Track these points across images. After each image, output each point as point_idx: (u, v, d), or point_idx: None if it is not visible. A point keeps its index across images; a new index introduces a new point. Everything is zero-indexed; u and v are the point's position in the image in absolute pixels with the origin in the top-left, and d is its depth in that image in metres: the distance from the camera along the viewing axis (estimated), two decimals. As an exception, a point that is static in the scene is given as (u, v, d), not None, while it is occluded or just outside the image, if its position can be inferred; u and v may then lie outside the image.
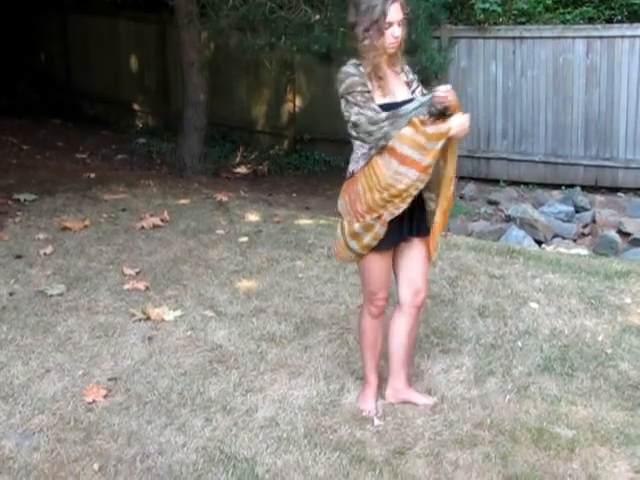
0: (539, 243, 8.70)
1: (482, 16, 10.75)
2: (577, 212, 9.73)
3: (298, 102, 12.51)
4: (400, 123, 3.61)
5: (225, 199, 8.20)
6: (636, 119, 10.19)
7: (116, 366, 4.54)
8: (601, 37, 10.22)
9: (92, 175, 9.37)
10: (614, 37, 10.16)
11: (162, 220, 7.13)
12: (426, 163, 3.65)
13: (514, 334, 4.94)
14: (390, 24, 3.66)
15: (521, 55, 10.67)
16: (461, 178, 10.17)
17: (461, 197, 10.22)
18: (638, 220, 9.16)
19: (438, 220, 3.92)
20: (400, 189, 3.67)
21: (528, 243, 8.39)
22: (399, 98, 3.77)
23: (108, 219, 7.26)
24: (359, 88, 3.65)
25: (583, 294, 5.53)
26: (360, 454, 3.73)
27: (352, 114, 3.65)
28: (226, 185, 9.88)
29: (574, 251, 7.86)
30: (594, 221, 9.32)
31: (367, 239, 3.79)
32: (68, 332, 4.95)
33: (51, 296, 5.47)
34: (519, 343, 4.82)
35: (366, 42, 3.67)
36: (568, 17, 10.82)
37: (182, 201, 8.07)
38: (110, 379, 4.40)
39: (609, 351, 4.73)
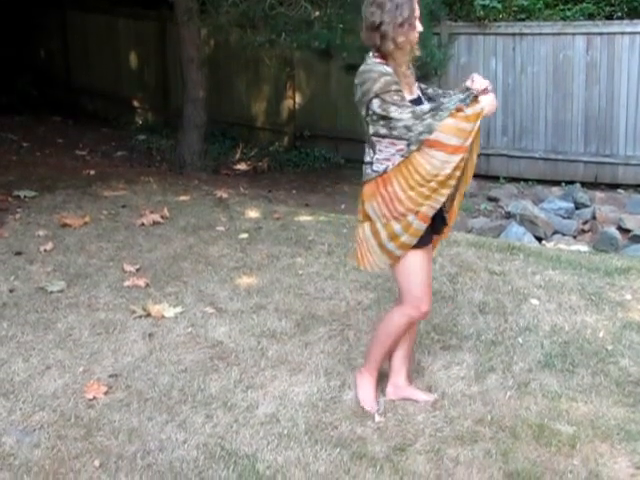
0: (539, 240, 8.69)
1: (482, 12, 10.74)
2: (577, 209, 9.73)
3: (298, 99, 12.50)
4: (442, 115, 3.62)
5: (225, 196, 8.19)
6: (636, 116, 10.19)
7: (116, 363, 4.54)
8: (601, 33, 10.22)
9: (92, 172, 9.37)
10: (614, 33, 10.16)
11: (162, 217, 7.13)
12: (467, 144, 3.69)
13: (515, 330, 4.94)
14: (416, 19, 3.70)
15: (521, 51, 10.66)
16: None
17: (461, 194, 10.20)
18: (638, 216, 9.16)
19: (453, 216, 3.99)
20: (446, 174, 3.67)
21: (528, 240, 8.39)
22: (416, 95, 3.83)
23: (108, 216, 7.26)
24: (394, 87, 3.65)
25: (583, 290, 5.53)
26: (361, 450, 3.73)
27: (391, 112, 3.63)
28: (226, 182, 9.88)
29: (574, 247, 7.86)
30: (594, 217, 9.31)
31: (404, 238, 3.76)
32: (68, 329, 4.95)
33: (51, 293, 5.47)
34: (520, 339, 4.82)
35: (400, 39, 3.66)
36: (568, 13, 10.82)
37: (182, 198, 8.07)
38: (111, 376, 4.40)
39: (610, 347, 4.73)
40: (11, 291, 5.51)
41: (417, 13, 3.70)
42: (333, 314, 5.19)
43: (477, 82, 3.70)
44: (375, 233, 3.82)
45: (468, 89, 3.71)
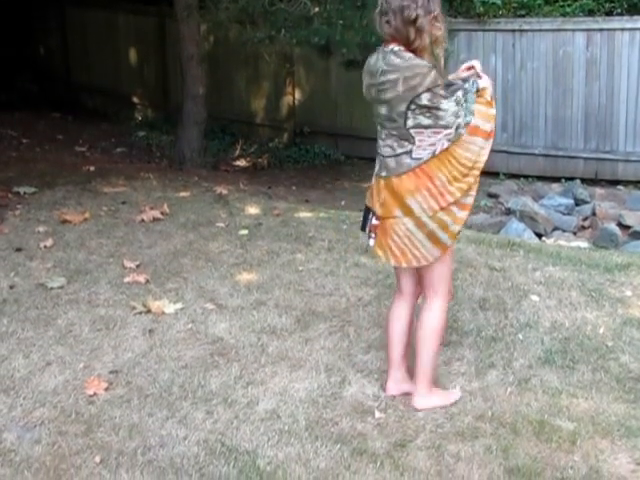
0: (539, 236, 8.69)
1: (482, 9, 10.75)
2: (577, 205, 9.73)
3: (297, 95, 12.51)
4: (472, 98, 3.71)
5: (225, 192, 8.19)
6: (636, 112, 10.19)
7: (117, 359, 4.54)
8: (601, 30, 10.23)
9: (92, 168, 9.36)
10: (614, 30, 10.16)
11: (162, 213, 7.12)
12: (494, 128, 3.81)
13: (515, 327, 4.94)
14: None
15: (521, 48, 10.66)
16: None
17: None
18: (638, 213, 9.16)
19: None
20: (483, 161, 3.77)
21: (528, 236, 8.38)
22: None
23: (108, 212, 7.26)
24: (440, 81, 3.67)
25: (584, 287, 5.52)
26: (361, 446, 3.73)
27: (442, 104, 3.65)
28: (226, 178, 9.88)
29: (574, 244, 7.86)
30: (594, 214, 9.31)
31: (453, 227, 3.82)
32: (69, 325, 4.95)
33: (51, 289, 5.46)
34: (520, 336, 4.82)
35: (437, 33, 3.68)
36: (568, 10, 10.81)
37: (182, 194, 8.06)
38: (111, 372, 4.39)
39: (610, 344, 4.73)
40: (11, 287, 5.50)
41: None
42: (333, 310, 5.19)
43: (477, 67, 3.83)
44: (421, 226, 3.79)
45: (467, 77, 3.80)
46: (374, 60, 3.81)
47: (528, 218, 8.98)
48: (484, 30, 10.78)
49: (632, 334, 4.85)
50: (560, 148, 10.65)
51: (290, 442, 3.76)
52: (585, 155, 10.53)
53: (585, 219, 9.33)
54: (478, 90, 3.74)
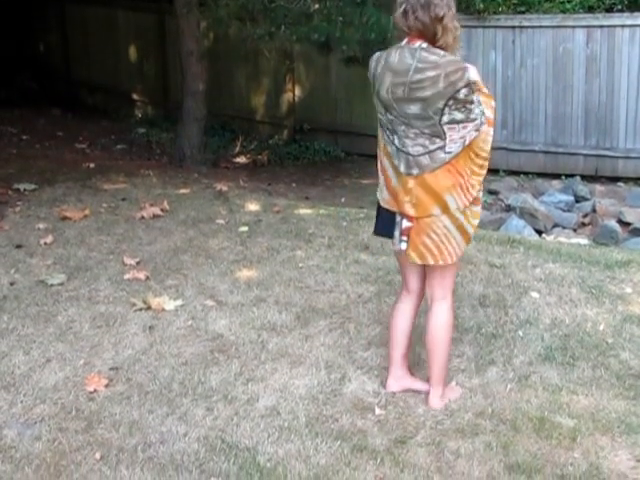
0: (539, 233, 8.69)
1: (482, 5, 10.72)
2: (577, 202, 9.73)
3: (297, 92, 12.49)
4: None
5: (225, 189, 8.19)
6: (636, 109, 10.18)
7: (117, 356, 4.54)
8: (601, 26, 10.21)
9: (92, 165, 9.36)
10: (614, 26, 10.15)
11: (162, 210, 7.12)
12: None
13: (515, 323, 4.94)
14: None
15: (521, 44, 10.65)
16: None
17: (461, 187, 10.19)
18: (638, 210, 9.15)
19: None
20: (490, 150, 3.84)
21: (528, 233, 8.38)
22: None
23: (108, 209, 7.26)
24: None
25: (584, 283, 5.53)
26: (361, 443, 3.73)
27: (474, 98, 3.67)
28: (226, 175, 9.87)
29: (574, 241, 7.86)
30: (594, 211, 9.31)
31: (474, 222, 3.89)
32: (69, 322, 4.95)
33: (52, 286, 5.46)
34: (520, 332, 4.82)
35: (458, 32, 3.71)
36: (568, 6, 10.79)
37: (182, 191, 8.06)
38: (111, 369, 4.40)
39: (610, 340, 4.73)
40: (11, 284, 5.51)
41: None
42: (333, 307, 5.19)
43: None
44: (455, 222, 3.81)
45: None
46: (397, 58, 3.72)
47: (528, 215, 8.98)
48: (484, 26, 10.77)
49: (632, 331, 4.85)
50: (560, 145, 10.64)
51: (290, 439, 3.76)
52: (585, 152, 10.53)
53: (585, 216, 9.33)
54: (475, 83, 3.74)
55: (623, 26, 10.09)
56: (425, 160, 3.73)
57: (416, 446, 3.72)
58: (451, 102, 3.62)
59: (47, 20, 15.71)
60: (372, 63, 3.86)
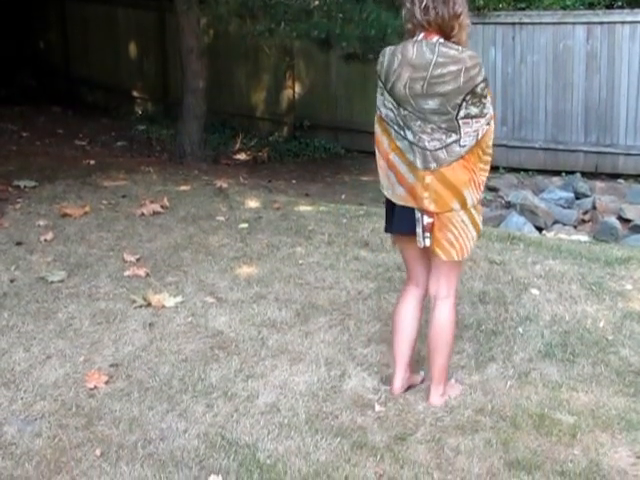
0: (539, 229, 8.70)
1: (482, 2, 10.73)
2: (577, 198, 9.74)
3: (297, 88, 12.49)
4: None
5: (225, 186, 8.19)
6: (637, 105, 10.19)
7: (117, 352, 4.54)
8: (601, 23, 10.21)
9: (92, 162, 9.36)
10: (614, 23, 10.15)
11: (162, 207, 7.12)
12: None
13: (515, 320, 4.94)
14: None
15: (521, 41, 10.65)
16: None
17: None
18: (638, 206, 9.17)
19: None
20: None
21: (528, 229, 8.39)
22: None
23: (108, 206, 7.25)
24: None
25: (584, 280, 5.52)
26: (361, 440, 3.73)
27: (488, 93, 3.72)
28: (226, 172, 9.87)
29: (574, 237, 7.86)
30: (594, 207, 9.32)
31: (479, 217, 3.90)
32: (69, 318, 4.95)
33: (52, 283, 5.46)
34: (520, 329, 4.82)
35: (469, 30, 3.81)
36: (568, 3, 10.80)
37: (182, 188, 8.06)
38: (111, 365, 4.39)
39: (610, 337, 4.73)
40: (12, 281, 5.51)
41: None
42: (333, 304, 5.19)
43: None
44: (470, 216, 3.81)
45: None
46: (415, 52, 3.70)
47: (528, 212, 8.99)
48: (484, 23, 10.76)
49: (632, 327, 4.85)
50: (560, 142, 10.64)
51: (290, 435, 3.76)
52: (585, 149, 10.53)
53: (585, 213, 9.33)
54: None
55: (623, 23, 10.10)
56: (442, 154, 3.71)
57: (416, 443, 3.72)
58: (469, 97, 3.64)
59: (47, 18, 15.71)
60: (384, 57, 3.81)
